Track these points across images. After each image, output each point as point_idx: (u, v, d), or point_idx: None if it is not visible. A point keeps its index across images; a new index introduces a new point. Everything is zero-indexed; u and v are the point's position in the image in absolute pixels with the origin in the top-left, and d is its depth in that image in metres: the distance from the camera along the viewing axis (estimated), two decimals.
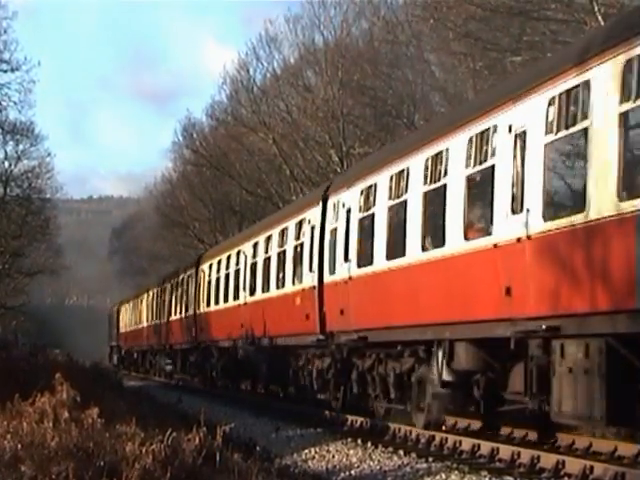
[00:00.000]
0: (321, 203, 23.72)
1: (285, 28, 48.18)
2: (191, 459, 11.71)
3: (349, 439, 18.32)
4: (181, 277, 42.84)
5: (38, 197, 56.79)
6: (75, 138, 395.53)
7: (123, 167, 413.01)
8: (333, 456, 16.71)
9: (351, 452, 16.88)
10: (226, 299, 33.50)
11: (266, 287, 28.60)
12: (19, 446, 11.58)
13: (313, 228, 24.25)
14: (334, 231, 22.63)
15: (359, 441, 17.94)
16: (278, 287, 27.27)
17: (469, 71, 33.40)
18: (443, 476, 13.72)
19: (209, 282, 36.40)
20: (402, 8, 38.67)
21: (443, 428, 18.81)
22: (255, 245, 30.12)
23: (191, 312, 39.18)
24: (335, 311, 22.10)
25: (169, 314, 44.37)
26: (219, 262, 35.39)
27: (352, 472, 15.02)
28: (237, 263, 32.38)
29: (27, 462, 10.81)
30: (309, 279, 24.28)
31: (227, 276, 33.75)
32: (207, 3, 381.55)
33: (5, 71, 45.70)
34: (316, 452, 17.30)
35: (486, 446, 15.56)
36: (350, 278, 21.09)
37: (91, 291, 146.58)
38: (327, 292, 22.83)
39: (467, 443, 16.15)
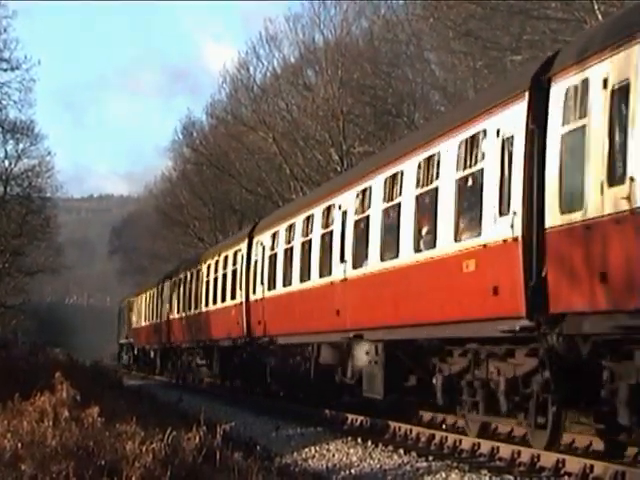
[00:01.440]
0: None
1: (285, 27, 48.25)
2: (191, 458, 11.72)
3: (349, 438, 18.32)
4: (225, 254, 34.69)
5: (38, 196, 56.73)
6: (73, 136, 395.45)
7: (121, 165, 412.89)
8: (333, 455, 16.71)
9: (351, 451, 16.88)
10: (306, 277, 24.77)
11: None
12: (19, 445, 11.59)
13: None
14: None
15: (359, 440, 17.94)
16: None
17: (469, 70, 33.39)
18: (443, 475, 13.71)
19: (271, 257, 28.61)
20: (402, 7, 38.68)
21: (443, 427, 18.84)
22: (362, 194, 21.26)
23: (240, 299, 31.43)
24: None
25: (206, 303, 36.77)
26: (278, 233, 28.35)
27: (352, 471, 15.03)
28: (307, 229, 25.42)
29: (27, 461, 10.81)
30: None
31: (303, 246, 25.31)
32: (205, 1, 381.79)
33: (5, 70, 45.68)
34: (316, 451, 17.30)
35: (486, 445, 15.57)
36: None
37: (91, 290, 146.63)
38: None
39: (467, 442, 16.15)
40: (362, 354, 20.30)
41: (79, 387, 16.66)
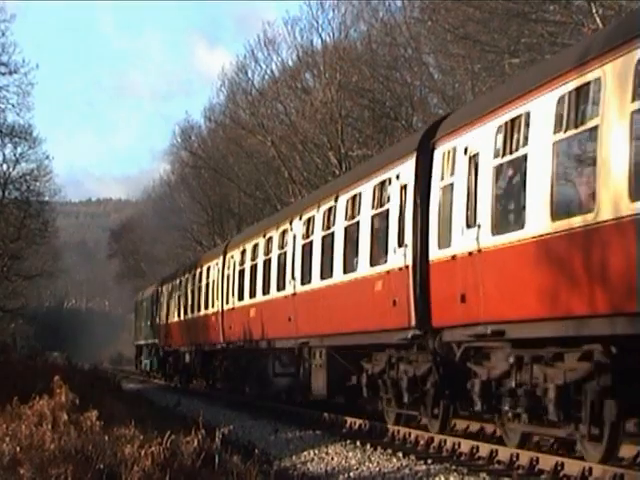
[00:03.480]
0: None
1: (283, 30, 48.30)
2: (190, 461, 11.73)
3: (348, 441, 18.31)
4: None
5: (36, 200, 56.65)
6: (68, 139, 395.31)
7: (116, 169, 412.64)
8: (332, 458, 16.70)
9: (350, 454, 16.87)
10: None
11: None
12: (18, 449, 11.59)
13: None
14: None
15: (358, 443, 17.93)
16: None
17: (467, 73, 33.43)
18: (442, 478, 13.71)
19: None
20: (400, 10, 38.71)
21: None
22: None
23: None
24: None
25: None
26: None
27: (351, 474, 15.02)
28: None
29: (26, 465, 10.81)
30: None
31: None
32: (199, 2, 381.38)
33: (3, 74, 45.70)
34: (315, 454, 17.30)
35: (485, 448, 15.56)
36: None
37: (89, 294, 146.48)
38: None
39: (466, 445, 16.15)
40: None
41: (78, 391, 16.67)
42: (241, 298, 30.32)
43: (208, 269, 36.14)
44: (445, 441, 16.89)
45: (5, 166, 54.20)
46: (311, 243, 23.22)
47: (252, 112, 50.47)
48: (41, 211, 57.19)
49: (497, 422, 15.85)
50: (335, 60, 42.72)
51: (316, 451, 17.56)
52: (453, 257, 15.56)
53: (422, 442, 17.57)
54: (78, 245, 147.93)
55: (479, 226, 14.79)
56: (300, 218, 24.35)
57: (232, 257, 32.06)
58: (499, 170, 14.52)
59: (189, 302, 39.79)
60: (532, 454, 14.27)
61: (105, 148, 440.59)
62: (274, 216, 32.62)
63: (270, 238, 27.43)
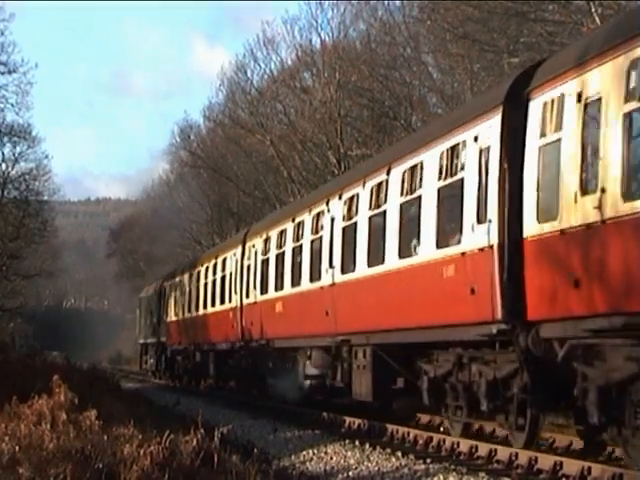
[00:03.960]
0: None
1: (282, 30, 48.29)
2: (189, 461, 11.73)
3: (347, 440, 18.31)
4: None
5: (35, 199, 56.70)
6: (67, 139, 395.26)
7: (114, 168, 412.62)
8: (331, 457, 16.70)
9: (349, 453, 16.87)
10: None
11: None
12: (17, 448, 11.59)
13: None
14: None
15: (357, 442, 17.93)
16: None
17: (466, 72, 33.42)
18: (441, 477, 13.71)
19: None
20: (399, 10, 38.70)
21: (441, 429, 18.83)
22: None
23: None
24: None
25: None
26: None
27: (350, 473, 15.02)
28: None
29: (25, 464, 10.81)
30: None
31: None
32: (198, 2, 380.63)
33: (2, 73, 45.72)
34: (314, 453, 17.29)
35: (484, 447, 15.56)
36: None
37: (88, 293, 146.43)
38: None
39: (465, 444, 16.15)
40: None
41: (77, 390, 16.68)
42: (264, 291, 27.35)
43: (224, 261, 33.07)
44: (444, 440, 16.88)
45: (4, 165, 54.31)
46: (354, 225, 20.23)
47: (251, 111, 50.47)
48: (40, 210, 57.20)
49: (619, 440, 12.98)
50: (334, 59, 42.72)
51: (315, 450, 17.56)
52: (562, 232, 12.61)
53: (421, 441, 17.57)
54: (77, 244, 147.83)
55: (603, 190, 11.76)
56: (340, 197, 21.18)
57: (253, 246, 28.99)
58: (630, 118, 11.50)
59: (201, 297, 36.65)
60: (531, 453, 14.27)
61: (103, 147, 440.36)
62: (305, 198, 29.85)
63: (301, 223, 24.20)
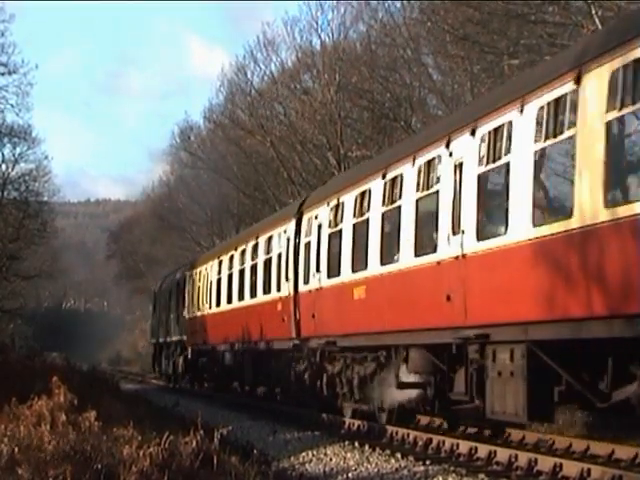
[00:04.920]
0: None
1: (283, 31, 48.31)
2: (188, 462, 11.72)
3: (346, 442, 18.31)
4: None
5: (35, 200, 56.75)
6: (66, 140, 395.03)
7: (112, 168, 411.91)
8: (330, 459, 16.70)
9: (348, 455, 16.87)
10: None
11: None
12: (16, 449, 11.58)
13: None
14: None
15: (356, 444, 17.94)
16: None
17: (466, 74, 33.41)
18: (441, 479, 13.71)
19: None
20: (400, 11, 38.70)
21: (440, 431, 18.80)
22: None
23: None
24: None
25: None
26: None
27: (349, 475, 15.02)
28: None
29: (24, 465, 10.80)
30: None
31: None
32: (192, 2, 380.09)
33: (3, 74, 45.76)
34: (313, 455, 17.29)
35: (483, 449, 15.56)
36: None
37: (88, 294, 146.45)
38: None
39: (464, 446, 16.15)
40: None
41: (76, 391, 16.67)
42: (334, 273, 21.32)
43: (268, 240, 27.25)
44: (444, 442, 16.88)
45: (4, 166, 54.39)
46: (501, 170, 14.43)
47: (251, 113, 50.47)
48: (40, 211, 57.25)
49: None
50: (334, 61, 42.73)
51: (315, 452, 17.56)
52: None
53: (420, 443, 17.57)
54: (77, 246, 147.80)
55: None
56: (472, 133, 15.05)
57: (315, 217, 23.01)
58: None
59: (234, 288, 31.03)
60: (531, 455, 14.28)
61: (102, 148, 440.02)
62: (403, 143, 23.43)
63: (397, 178, 18.03)
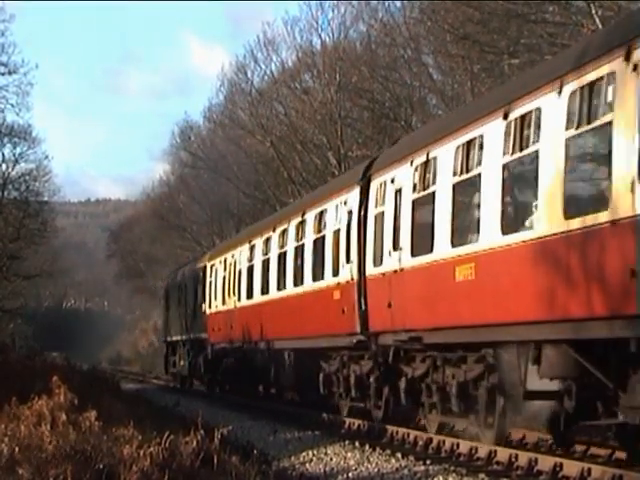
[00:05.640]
0: None
1: (283, 31, 48.31)
2: (189, 462, 11.73)
3: (347, 441, 18.31)
4: None
5: (35, 200, 56.76)
6: (65, 139, 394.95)
7: (112, 168, 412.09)
8: (331, 459, 16.70)
9: (349, 455, 16.87)
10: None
11: None
12: (16, 449, 11.58)
13: None
14: None
15: (357, 443, 17.93)
16: None
17: (467, 73, 33.41)
18: (441, 479, 13.71)
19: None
20: (400, 11, 38.71)
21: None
22: None
23: None
24: None
25: None
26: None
27: (350, 475, 15.02)
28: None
29: (24, 465, 10.80)
30: None
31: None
32: (193, 2, 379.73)
33: (3, 74, 45.78)
34: (314, 455, 17.29)
35: (484, 449, 15.55)
36: None
37: (88, 294, 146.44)
38: None
39: (465, 445, 16.13)
40: None
41: (77, 391, 16.68)
42: (423, 250, 16.74)
43: (319, 216, 22.84)
44: (444, 442, 16.87)
45: (4, 166, 54.40)
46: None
47: (251, 112, 50.48)
48: (40, 211, 57.26)
49: None
50: (334, 60, 42.74)
51: (315, 451, 17.55)
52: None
53: (421, 443, 17.56)
54: (77, 245, 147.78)
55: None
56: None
57: (392, 181, 18.35)
58: None
59: (271, 276, 26.73)
60: (531, 455, 14.26)
61: (102, 147, 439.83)
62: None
63: (530, 115, 13.56)
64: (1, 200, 54.21)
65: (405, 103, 38.82)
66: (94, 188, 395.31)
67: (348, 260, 20.44)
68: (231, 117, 54.65)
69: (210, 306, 35.22)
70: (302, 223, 24.10)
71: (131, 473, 10.70)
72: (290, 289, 24.85)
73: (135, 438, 12.40)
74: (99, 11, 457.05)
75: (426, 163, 16.97)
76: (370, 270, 19.28)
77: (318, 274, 22.52)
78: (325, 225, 22.37)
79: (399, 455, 16.13)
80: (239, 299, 30.64)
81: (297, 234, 24.46)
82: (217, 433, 12.83)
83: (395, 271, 17.92)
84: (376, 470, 15.11)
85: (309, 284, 23.25)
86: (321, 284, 22.28)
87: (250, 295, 29.19)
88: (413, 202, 17.46)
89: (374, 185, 19.43)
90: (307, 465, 16.33)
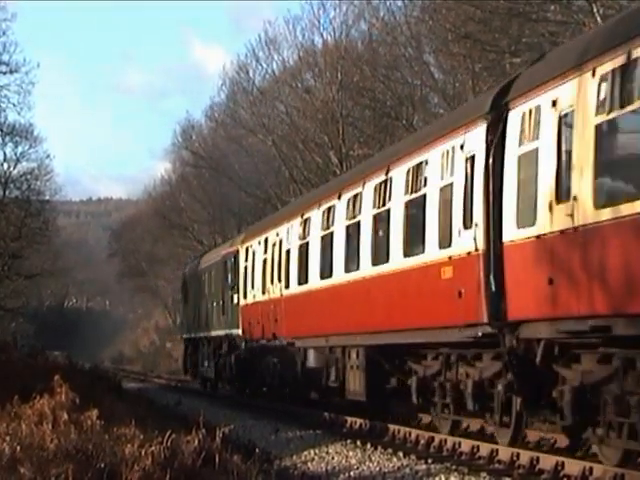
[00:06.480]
0: None
1: (284, 29, 48.30)
2: (190, 461, 11.72)
3: (348, 440, 18.31)
4: None
5: (37, 199, 56.78)
6: (66, 138, 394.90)
7: (112, 167, 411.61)
8: (332, 457, 16.69)
9: (350, 453, 16.87)
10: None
11: None
12: (18, 448, 11.57)
13: None
14: None
15: (358, 442, 17.93)
16: None
17: (468, 72, 33.41)
18: (442, 477, 13.71)
19: None
20: (401, 10, 38.70)
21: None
22: None
23: None
24: None
25: None
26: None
27: (351, 473, 15.01)
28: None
29: (26, 464, 10.80)
30: None
31: None
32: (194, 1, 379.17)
33: (4, 73, 45.78)
34: (315, 453, 17.29)
35: (485, 447, 15.55)
36: None
37: (90, 293, 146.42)
38: None
39: (466, 444, 16.13)
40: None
41: (78, 390, 16.67)
42: (617, 197, 11.45)
43: (415, 170, 17.23)
44: (446, 440, 16.87)
45: (6, 165, 54.41)
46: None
47: (253, 111, 50.47)
48: (42, 210, 57.28)
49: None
50: (336, 59, 42.73)
51: (316, 451, 17.55)
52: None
53: (422, 442, 17.55)
54: (79, 244, 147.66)
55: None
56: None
57: (553, 104, 12.88)
58: None
59: (335, 254, 21.39)
60: (533, 454, 14.26)
61: (104, 146, 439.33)
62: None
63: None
64: (3, 199, 54.23)
65: (406, 102, 38.80)
66: (95, 187, 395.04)
67: (468, 225, 14.99)
68: (233, 116, 54.63)
69: (245, 296, 29.93)
70: (385, 183, 18.65)
71: (132, 472, 10.70)
72: (366, 269, 19.47)
73: (137, 437, 12.40)
74: (100, 10, 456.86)
75: (626, 66, 11.32)
76: (512, 234, 13.82)
77: (414, 247, 17.13)
78: (425, 181, 16.81)
79: (401, 454, 16.13)
80: (287, 286, 25.36)
81: (377, 198, 19.03)
82: (219, 432, 12.83)
83: (564, 231, 12.37)
84: (378, 469, 15.11)
85: (398, 261, 17.78)
86: (420, 260, 16.78)
87: (303, 280, 23.96)
88: (597, 128, 11.82)
89: (515, 115, 14.04)
90: (309, 464, 16.32)
